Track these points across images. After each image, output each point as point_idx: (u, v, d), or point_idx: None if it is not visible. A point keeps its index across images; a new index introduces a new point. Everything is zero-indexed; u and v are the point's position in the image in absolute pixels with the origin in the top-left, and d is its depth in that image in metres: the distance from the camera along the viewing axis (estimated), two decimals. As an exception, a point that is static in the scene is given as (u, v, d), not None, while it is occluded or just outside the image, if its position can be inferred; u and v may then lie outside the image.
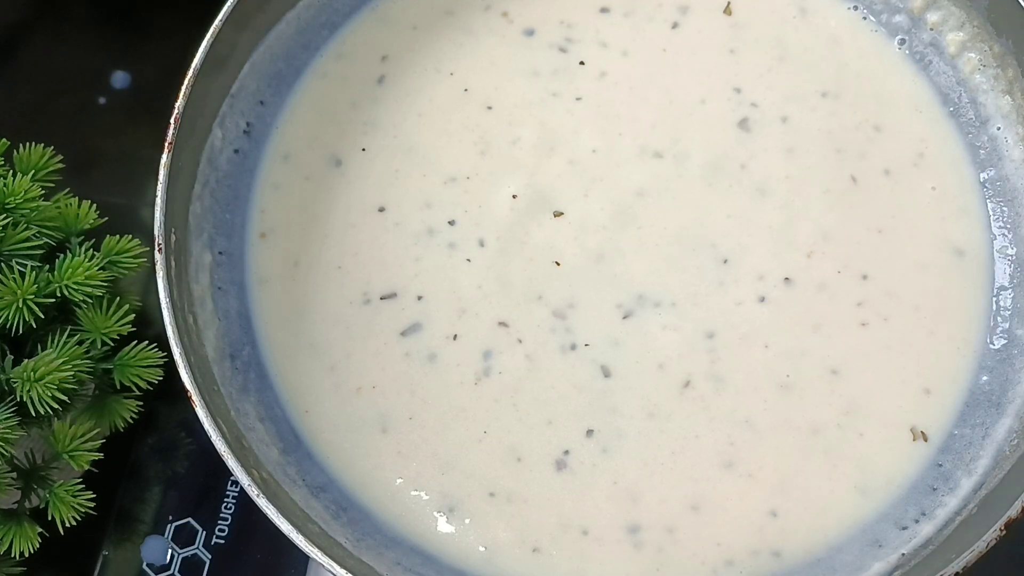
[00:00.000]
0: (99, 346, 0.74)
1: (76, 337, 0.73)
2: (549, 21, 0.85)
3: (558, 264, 0.77)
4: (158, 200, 0.71)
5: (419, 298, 0.77)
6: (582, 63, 0.83)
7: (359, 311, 0.77)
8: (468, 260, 0.78)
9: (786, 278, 0.77)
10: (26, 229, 0.72)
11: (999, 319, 0.77)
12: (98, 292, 0.72)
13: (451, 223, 0.79)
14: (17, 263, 0.71)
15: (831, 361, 0.75)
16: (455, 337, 0.76)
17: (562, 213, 0.79)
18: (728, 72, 0.83)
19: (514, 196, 0.79)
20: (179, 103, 0.73)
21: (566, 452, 0.73)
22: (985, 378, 0.75)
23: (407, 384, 0.75)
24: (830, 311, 0.76)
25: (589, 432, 0.73)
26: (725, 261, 0.77)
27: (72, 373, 0.70)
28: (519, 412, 0.74)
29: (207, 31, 0.75)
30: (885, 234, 0.78)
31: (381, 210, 0.79)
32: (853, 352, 0.75)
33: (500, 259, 0.77)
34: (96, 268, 0.72)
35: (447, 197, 0.79)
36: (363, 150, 0.81)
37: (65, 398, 0.69)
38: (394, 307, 0.77)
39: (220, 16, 0.76)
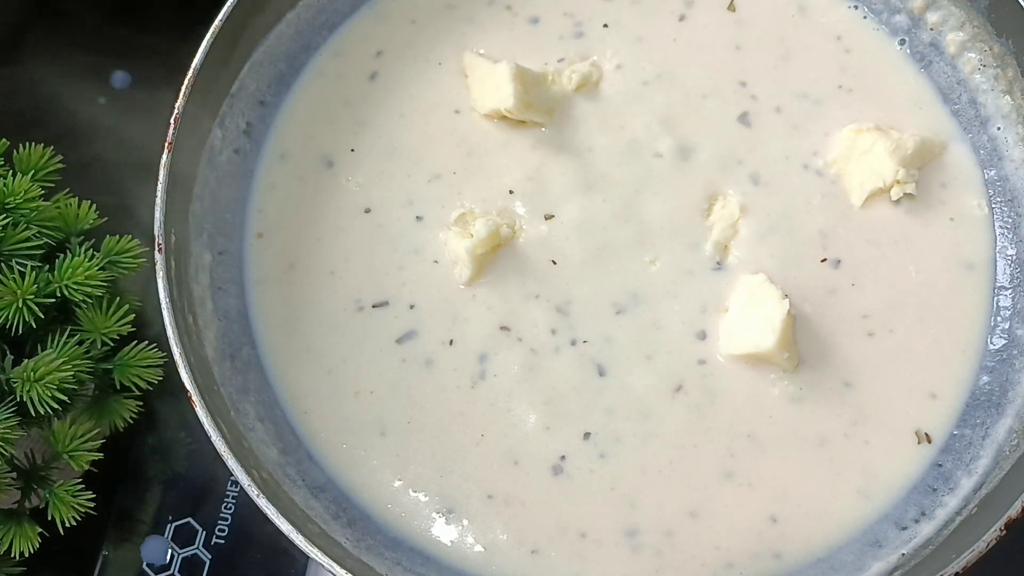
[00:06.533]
0: (99, 346, 0.74)
1: (76, 337, 0.73)
2: (553, 11, 0.85)
3: (555, 263, 0.77)
4: (158, 200, 0.71)
5: (411, 307, 0.77)
6: (584, 57, 0.83)
7: (353, 317, 0.76)
8: (455, 263, 0.77)
9: (790, 279, 0.77)
10: (26, 229, 0.72)
11: (999, 319, 0.77)
12: (98, 292, 0.72)
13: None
14: (17, 263, 0.71)
15: (843, 373, 0.75)
16: (451, 342, 0.75)
17: (553, 216, 0.78)
18: (734, 67, 0.83)
19: (510, 192, 0.79)
20: (179, 103, 0.73)
21: (563, 457, 0.73)
22: (985, 379, 0.75)
23: (404, 389, 0.75)
24: (839, 319, 0.76)
25: (586, 435, 0.73)
26: (720, 263, 0.77)
27: (72, 373, 0.70)
28: (514, 416, 0.74)
29: (207, 31, 0.75)
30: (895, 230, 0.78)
31: (367, 211, 0.79)
32: (864, 361, 0.75)
33: (494, 262, 0.77)
34: (96, 268, 0.73)
35: (432, 195, 0.79)
36: (352, 150, 0.81)
37: (65, 398, 0.70)
38: (387, 315, 0.76)
39: (220, 16, 0.76)
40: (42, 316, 0.70)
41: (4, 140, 0.77)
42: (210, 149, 0.78)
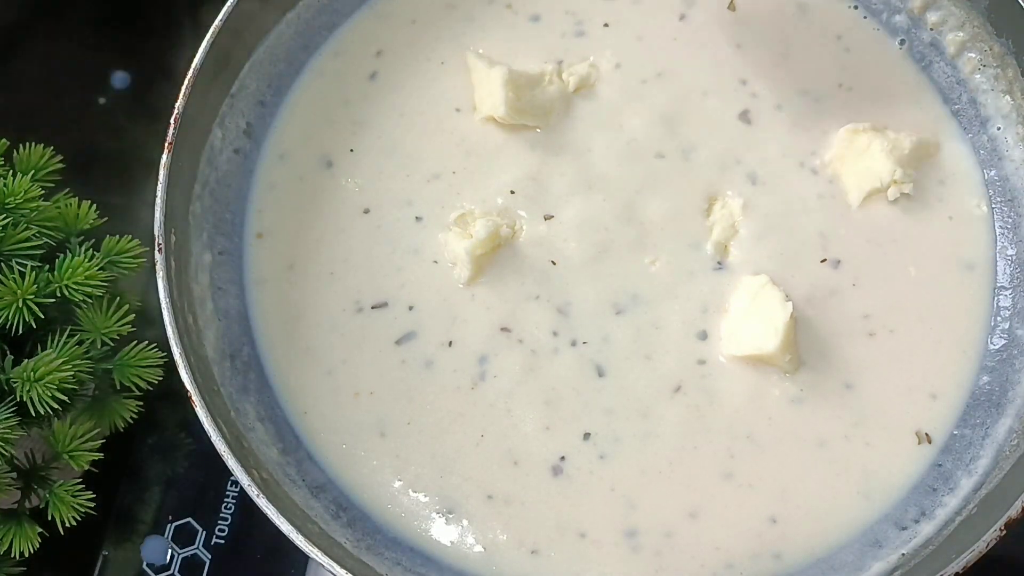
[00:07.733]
0: (99, 346, 0.74)
1: (76, 337, 0.73)
2: (553, 9, 0.85)
3: (554, 263, 0.77)
4: (158, 200, 0.71)
5: (410, 308, 0.76)
6: (584, 57, 0.83)
7: (352, 319, 0.76)
8: (453, 264, 0.77)
9: (791, 279, 0.77)
10: (26, 229, 0.72)
11: (999, 319, 0.77)
12: (98, 292, 0.72)
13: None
14: (17, 263, 0.71)
15: (844, 375, 0.75)
16: (450, 344, 0.75)
17: (552, 216, 0.78)
18: (735, 65, 0.83)
19: (511, 192, 0.79)
20: (179, 103, 0.73)
21: (562, 458, 0.73)
22: (986, 379, 0.75)
23: (404, 391, 0.74)
24: (839, 319, 0.76)
25: (586, 436, 0.73)
26: (721, 264, 0.77)
27: (72, 373, 0.70)
28: (514, 417, 0.74)
29: (207, 31, 0.75)
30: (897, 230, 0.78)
31: (367, 211, 0.79)
32: (864, 362, 0.75)
33: (494, 262, 0.77)
34: (96, 268, 0.73)
35: (432, 195, 0.79)
36: (351, 151, 0.81)
37: (65, 398, 0.70)
38: (387, 316, 0.76)
39: (220, 16, 0.76)
40: (42, 316, 0.70)
41: (4, 140, 0.77)
42: (210, 149, 0.78)
